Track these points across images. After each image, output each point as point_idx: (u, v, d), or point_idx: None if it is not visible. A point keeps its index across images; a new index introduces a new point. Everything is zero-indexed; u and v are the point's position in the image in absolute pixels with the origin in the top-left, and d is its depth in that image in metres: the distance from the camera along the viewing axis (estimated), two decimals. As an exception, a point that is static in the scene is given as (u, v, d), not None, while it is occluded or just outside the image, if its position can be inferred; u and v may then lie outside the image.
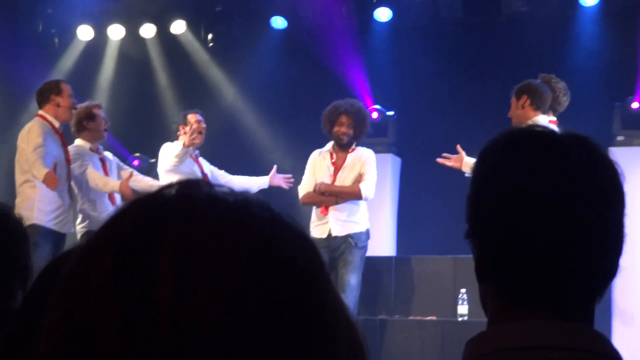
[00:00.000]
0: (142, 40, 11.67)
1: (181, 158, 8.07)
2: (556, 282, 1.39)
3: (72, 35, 11.59)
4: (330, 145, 8.01)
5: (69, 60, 11.69)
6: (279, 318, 0.80)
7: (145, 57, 11.78)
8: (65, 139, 7.77)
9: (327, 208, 7.84)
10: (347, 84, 10.64)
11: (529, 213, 1.39)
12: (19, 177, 7.57)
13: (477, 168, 1.48)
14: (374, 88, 10.73)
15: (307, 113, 9.56)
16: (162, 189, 0.86)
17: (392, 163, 10.09)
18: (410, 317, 8.63)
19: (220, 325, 0.78)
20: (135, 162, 10.17)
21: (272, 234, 0.83)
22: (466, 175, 7.37)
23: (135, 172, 8.35)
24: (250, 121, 11.45)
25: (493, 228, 1.42)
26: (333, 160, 7.97)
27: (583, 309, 1.42)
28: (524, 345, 1.37)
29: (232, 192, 0.86)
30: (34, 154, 7.31)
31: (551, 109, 7.22)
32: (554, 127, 6.93)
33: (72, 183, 7.73)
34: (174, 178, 8.09)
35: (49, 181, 7.17)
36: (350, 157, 7.96)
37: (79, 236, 7.89)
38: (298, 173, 8.26)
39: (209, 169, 8.48)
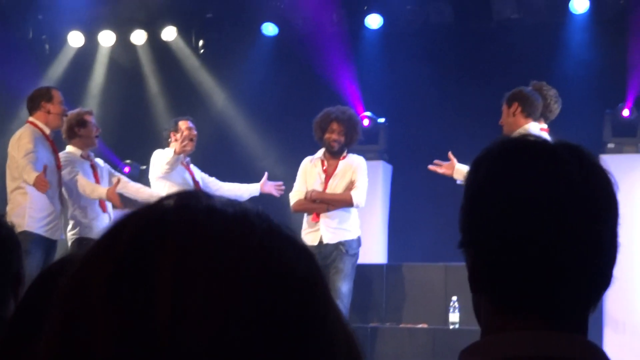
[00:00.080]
0: (133, 46, 11.67)
1: (172, 165, 8.06)
2: (550, 292, 1.39)
3: (62, 41, 11.58)
4: (321, 152, 8.02)
5: (59, 67, 11.68)
6: (278, 329, 0.80)
7: (136, 63, 11.78)
8: (56, 145, 7.76)
9: (318, 215, 7.84)
10: (338, 90, 10.65)
11: (523, 223, 1.39)
12: (9, 184, 7.55)
13: (470, 178, 1.48)
14: (365, 95, 10.74)
15: (298, 120, 9.56)
16: (161, 200, 0.86)
17: (383, 170, 10.09)
18: (402, 325, 8.63)
19: (220, 337, 0.78)
20: (126, 169, 10.17)
21: (271, 245, 0.83)
22: (458, 182, 7.38)
23: (126, 179, 8.34)
24: (241, 128, 11.45)
25: (487, 238, 1.42)
26: (324, 168, 7.97)
27: (577, 320, 1.42)
28: (518, 356, 1.37)
29: (230, 203, 0.86)
30: (25, 159, 7.31)
31: (542, 117, 7.23)
32: (545, 135, 6.99)
33: (63, 189, 7.72)
34: (165, 185, 8.10)
35: (39, 184, 7.16)
36: (341, 164, 7.96)
37: (69, 243, 7.88)
38: (289, 180, 8.26)
39: (200, 176, 8.47)
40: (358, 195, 7.84)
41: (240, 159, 10.98)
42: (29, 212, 7.43)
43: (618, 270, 1.43)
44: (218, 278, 0.79)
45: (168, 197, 0.86)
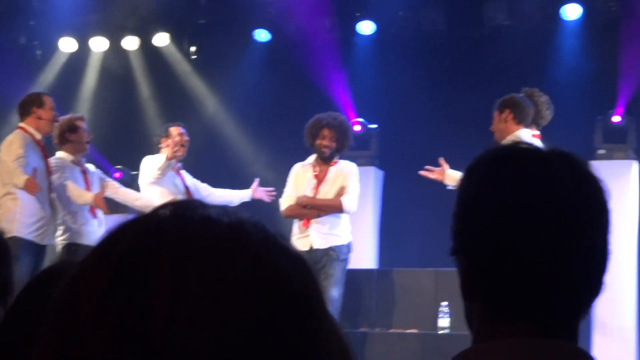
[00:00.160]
0: (125, 52, 11.66)
1: (163, 171, 8.06)
2: (542, 299, 1.40)
3: (54, 47, 11.57)
4: (312, 158, 8.02)
5: (51, 73, 11.67)
6: (274, 339, 0.80)
7: (127, 69, 11.77)
8: (48, 151, 7.75)
9: (308, 221, 7.83)
10: (330, 96, 10.66)
11: (516, 230, 1.39)
12: (0, 190, 7.54)
13: (463, 185, 1.48)
14: (356, 101, 10.75)
15: (289, 126, 9.56)
16: (157, 210, 0.86)
17: (374, 176, 10.10)
18: (392, 330, 8.63)
19: (216, 346, 0.78)
20: (117, 175, 10.15)
21: (266, 255, 0.83)
22: (449, 187, 7.39)
23: (117, 184, 8.33)
24: (233, 133, 11.45)
25: (480, 245, 1.42)
26: (315, 173, 7.97)
27: (568, 327, 1.42)
28: (510, 363, 1.37)
29: (226, 212, 0.86)
30: (15, 164, 7.31)
31: (534, 123, 7.25)
32: (537, 141, 7.01)
33: (53, 195, 7.71)
34: (156, 191, 8.09)
35: (29, 186, 7.17)
36: (332, 170, 7.96)
37: (59, 248, 7.86)
38: (280, 186, 8.26)
39: (191, 181, 8.47)
40: (349, 201, 7.84)
41: (231, 164, 10.98)
42: (19, 218, 7.42)
43: (608, 275, 1.43)
44: (214, 288, 0.79)
45: (163, 206, 0.86)
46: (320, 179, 7.94)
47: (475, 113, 9.00)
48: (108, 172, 9.36)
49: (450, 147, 8.82)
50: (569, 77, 10.06)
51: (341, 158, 8.06)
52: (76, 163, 7.94)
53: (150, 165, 8.14)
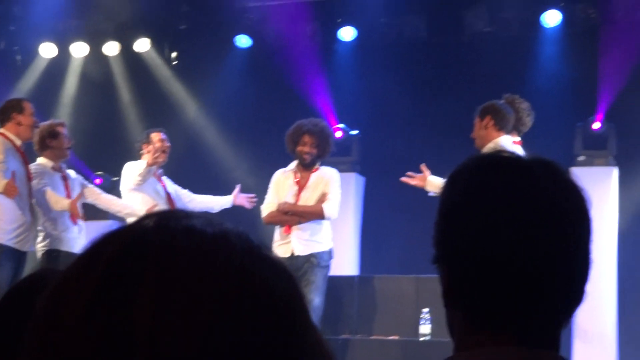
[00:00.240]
0: (106, 58, 11.63)
1: (144, 177, 8.04)
2: (524, 308, 1.40)
3: (34, 52, 11.53)
4: (294, 164, 8.02)
5: (31, 78, 11.62)
6: (259, 348, 0.80)
7: (108, 75, 11.74)
8: (28, 157, 7.72)
9: (290, 227, 7.83)
10: (311, 103, 10.66)
11: (497, 239, 1.39)
12: (-20, 196, 7.50)
13: (445, 194, 1.49)
14: (337, 107, 10.75)
15: (270, 132, 9.56)
16: (141, 220, 0.85)
17: (355, 182, 10.11)
18: (373, 337, 8.63)
19: (200, 357, 0.78)
20: (98, 181, 10.12)
21: (250, 265, 0.83)
22: (430, 194, 7.40)
23: (98, 191, 8.31)
24: (213, 140, 11.44)
25: (462, 254, 1.42)
26: (297, 180, 7.97)
27: (549, 336, 1.42)
28: (492, 372, 1.37)
29: (210, 223, 0.86)
30: (-7, 169, 7.28)
31: (515, 130, 7.26)
32: (518, 148, 7.02)
33: (33, 201, 7.67)
34: (137, 197, 8.07)
35: (8, 190, 7.15)
36: (313, 176, 7.96)
37: (39, 254, 7.83)
38: (261, 192, 8.25)
39: (173, 188, 8.45)
40: (330, 208, 7.84)
41: (212, 170, 10.96)
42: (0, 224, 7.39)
43: (588, 282, 1.44)
44: (197, 299, 0.79)
45: (147, 216, 0.86)
46: (301, 185, 7.94)
47: (456, 119, 9.02)
48: (89, 178, 9.33)
49: (431, 153, 8.84)
50: (549, 84, 10.10)
51: (322, 164, 8.06)
52: (57, 169, 7.91)
53: (132, 172, 8.12)
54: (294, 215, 7.84)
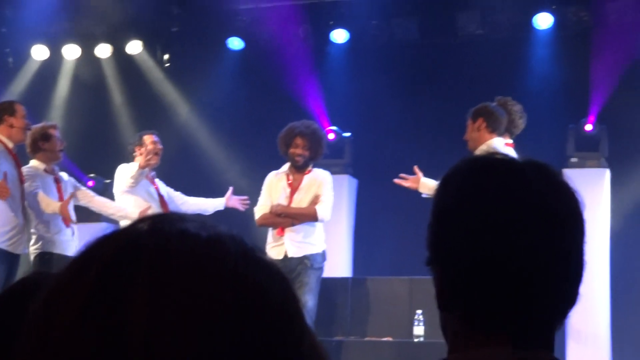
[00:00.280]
0: (98, 60, 11.62)
1: (136, 179, 8.03)
2: (518, 310, 1.40)
3: (26, 55, 11.51)
4: (286, 166, 8.02)
5: (23, 80, 11.60)
6: (253, 353, 0.80)
7: (100, 77, 11.72)
8: (21, 160, 7.70)
9: (283, 229, 7.83)
10: (304, 105, 10.67)
11: (490, 241, 1.40)
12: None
13: (438, 196, 1.49)
14: (330, 109, 10.76)
15: (263, 134, 9.56)
16: (135, 224, 0.85)
17: (348, 184, 10.11)
18: (367, 338, 8.63)
19: None
20: (90, 183, 10.11)
21: (245, 269, 0.83)
22: (423, 196, 7.40)
23: (91, 193, 8.29)
24: (206, 142, 11.43)
25: (455, 256, 1.42)
26: (289, 182, 7.97)
27: (543, 337, 1.42)
28: (485, 374, 1.38)
29: (204, 226, 0.85)
30: (-15, 171, 7.27)
31: (507, 132, 7.27)
32: (510, 150, 7.02)
33: (26, 203, 7.66)
34: (130, 199, 8.07)
35: (0, 192, 7.13)
36: (306, 178, 7.96)
37: (32, 257, 7.81)
38: (254, 194, 8.25)
39: (165, 190, 8.44)
40: (323, 210, 7.84)
41: (204, 172, 10.96)
42: (-8, 227, 7.38)
43: (582, 283, 1.44)
44: (192, 303, 0.79)
45: (141, 220, 0.86)
46: (294, 187, 7.94)
47: (448, 122, 9.03)
48: (81, 180, 9.32)
49: (424, 155, 8.85)
50: (542, 86, 10.12)
51: (315, 166, 8.06)
52: (49, 172, 7.90)
53: (124, 174, 8.11)
54: (287, 217, 7.84)
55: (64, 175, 8.11)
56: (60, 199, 7.82)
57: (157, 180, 8.40)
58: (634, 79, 9.85)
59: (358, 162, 10.35)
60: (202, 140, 11.45)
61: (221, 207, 8.53)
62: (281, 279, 0.86)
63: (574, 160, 9.35)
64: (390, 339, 8.49)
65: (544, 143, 8.99)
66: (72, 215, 7.88)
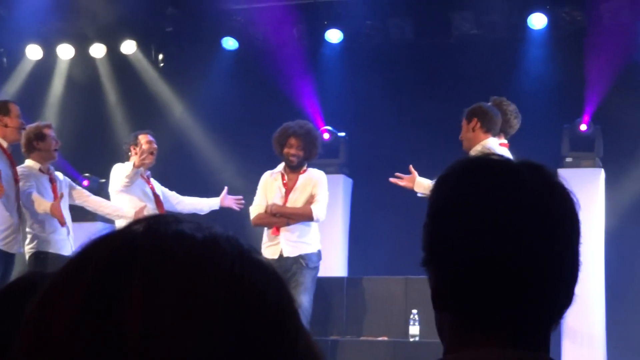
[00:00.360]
0: (92, 60, 11.61)
1: (131, 179, 8.02)
2: (513, 310, 1.40)
3: (20, 54, 11.50)
4: (281, 166, 8.02)
5: (17, 80, 11.59)
6: (250, 353, 0.80)
7: (95, 77, 11.71)
8: (16, 159, 7.70)
9: (278, 229, 7.83)
10: (298, 105, 10.67)
11: (486, 242, 1.40)
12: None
13: (433, 196, 1.49)
14: (325, 109, 10.76)
15: (258, 134, 9.56)
16: (130, 225, 0.85)
17: (343, 184, 10.11)
18: (362, 338, 8.63)
19: None
20: (85, 182, 10.10)
21: (241, 270, 0.83)
22: (419, 195, 7.41)
23: (87, 193, 8.29)
24: (201, 141, 11.43)
25: (451, 256, 1.42)
26: (284, 182, 7.97)
27: (539, 337, 1.43)
28: (482, 374, 1.38)
29: (199, 227, 0.85)
30: (-20, 170, 7.27)
31: (502, 132, 7.28)
32: (505, 150, 7.02)
33: (21, 203, 7.65)
34: (125, 199, 8.06)
35: None
36: (301, 178, 7.97)
37: (27, 256, 7.81)
38: (249, 194, 8.25)
39: (161, 190, 8.43)
40: (318, 209, 7.85)
41: (199, 172, 10.95)
42: (-14, 227, 7.37)
43: (577, 283, 1.44)
44: (188, 304, 0.79)
45: (137, 221, 0.85)
46: (289, 187, 7.94)
47: (443, 121, 9.03)
48: (76, 180, 9.31)
49: (419, 155, 8.85)
50: (536, 86, 10.13)
51: (310, 166, 8.06)
52: (44, 171, 7.89)
53: (120, 173, 8.11)
54: (282, 217, 7.84)
55: (59, 174, 8.10)
56: (56, 198, 7.81)
57: (152, 180, 8.39)
58: (629, 78, 9.87)
59: (353, 162, 10.36)
60: (196, 139, 11.45)
61: (216, 207, 8.53)
62: (277, 279, 0.86)
63: (568, 160, 9.36)
64: (385, 338, 8.50)
65: (539, 143, 8.99)
66: (67, 215, 7.88)
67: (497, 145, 6.91)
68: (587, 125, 9.48)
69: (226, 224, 0.89)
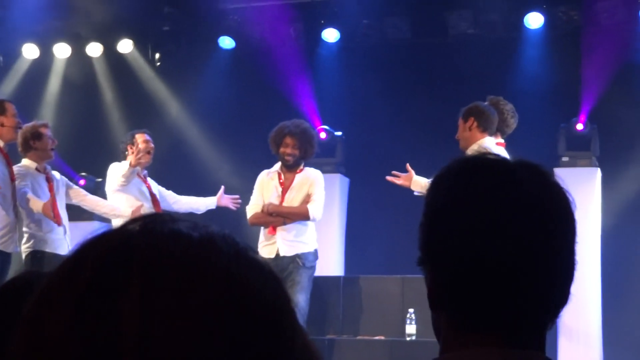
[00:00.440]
0: (89, 59, 11.60)
1: (128, 178, 8.02)
2: (509, 310, 1.40)
3: (17, 53, 11.49)
4: (278, 165, 8.02)
5: (14, 79, 11.58)
6: (247, 353, 0.80)
7: (91, 76, 11.71)
8: (12, 159, 7.69)
9: (275, 228, 7.83)
10: (295, 104, 10.67)
11: (482, 242, 1.40)
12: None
13: (429, 196, 1.49)
14: (321, 108, 10.76)
15: (254, 133, 9.56)
16: (126, 224, 0.85)
17: (340, 183, 10.11)
18: (359, 337, 8.64)
19: None
20: (82, 182, 10.09)
21: (237, 270, 0.83)
22: (415, 193, 7.41)
23: (84, 192, 8.28)
24: (198, 141, 11.42)
25: (447, 256, 1.43)
26: (281, 181, 7.97)
27: (535, 337, 1.43)
28: (478, 373, 1.38)
29: (195, 226, 0.85)
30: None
31: (499, 131, 7.28)
32: (501, 149, 7.02)
33: (17, 202, 7.65)
34: (122, 198, 8.06)
35: None
36: (298, 177, 7.96)
37: (24, 256, 7.80)
38: (246, 193, 8.25)
39: (157, 189, 8.43)
40: (315, 209, 7.85)
41: (196, 171, 10.95)
42: (-17, 226, 7.36)
43: (573, 282, 1.45)
44: (184, 304, 0.79)
45: (133, 221, 0.85)
46: (286, 186, 7.94)
47: (440, 121, 9.04)
48: (73, 179, 9.30)
49: (415, 154, 8.85)
50: (533, 85, 10.14)
51: (307, 165, 8.06)
52: (41, 170, 7.88)
53: (116, 173, 8.10)
54: (279, 216, 7.84)
55: (56, 174, 8.10)
56: (52, 198, 7.80)
57: (149, 179, 8.39)
58: (625, 78, 9.88)
59: (350, 161, 10.36)
60: (193, 139, 11.45)
61: (213, 206, 8.53)
62: (273, 278, 0.86)
63: (565, 159, 9.37)
64: (382, 337, 8.50)
65: (536, 142, 9.00)
66: (64, 214, 7.87)
67: (493, 145, 6.91)
68: (584, 125, 9.48)
69: (223, 223, 0.89)
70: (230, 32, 11.10)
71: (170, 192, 8.54)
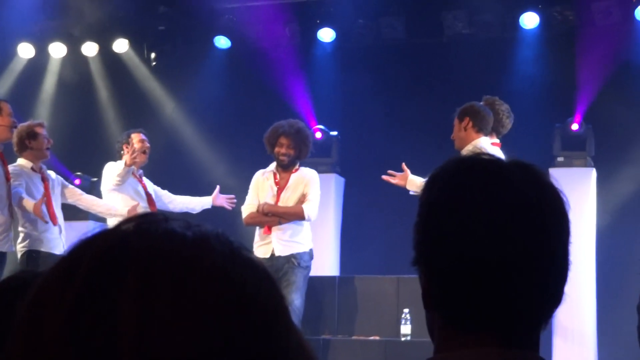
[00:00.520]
0: (84, 58, 11.59)
1: (123, 177, 8.01)
2: (503, 310, 1.41)
3: (12, 53, 11.47)
4: (273, 165, 8.02)
5: (9, 79, 11.57)
6: (242, 352, 0.80)
7: (87, 75, 11.70)
8: (8, 158, 7.68)
9: (270, 228, 7.83)
10: (291, 104, 10.67)
11: (476, 242, 1.40)
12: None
13: (424, 196, 1.49)
14: (317, 108, 10.76)
15: (250, 133, 9.56)
16: (120, 224, 0.85)
17: (335, 183, 10.12)
18: (354, 337, 8.64)
19: None
20: (77, 181, 10.08)
21: (232, 269, 0.83)
22: (411, 193, 7.41)
23: (80, 191, 8.28)
24: (193, 140, 11.42)
25: (441, 256, 1.43)
26: (276, 181, 7.97)
27: (529, 337, 1.43)
28: (472, 373, 1.38)
29: (189, 226, 0.85)
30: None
31: (495, 131, 7.28)
32: (497, 149, 7.02)
33: (12, 202, 7.64)
34: (117, 197, 8.06)
35: None
36: (293, 177, 7.96)
37: (19, 255, 7.79)
38: (241, 193, 8.25)
39: (153, 188, 8.43)
40: (310, 209, 7.85)
41: (192, 171, 10.95)
42: (-22, 225, 7.36)
43: (568, 282, 1.45)
44: (179, 304, 0.79)
45: (127, 221, 0.85)
46: (281, 186, 7.94)
47: (435, 121, 9.04)
48: (68, 179, 9.30)
49: (410, 154, 8.85)
50: (528, 85, 10.15)
51: (302, 165, 8.06)
52: (36, 170, 7.87)
53: (112, 172, 8.10)
54: (274, 216, 7.84)
55: (51, 173, 8.09)
56: (47, 197, 7.80)
57: (144, 179, 8.39)
58: (620, 78, 9.89)
59: (345, 161, 10.36)
60: (189, 138, 11.44)
61: (208, 206, 8.53)
62: (267, 277, 0.86)
63: (560, 159, 9.38)
64: (377, 337, 8.51)
65: (531, 142, 9.01)
66: (59, 214, 7.87)
67: (489, 145, 6.91)
68: (579, 125, 9.49)
69: (218, 223, 0.89)
70: (226, 31, 11.10)
71: (165, 191, 8.54)
